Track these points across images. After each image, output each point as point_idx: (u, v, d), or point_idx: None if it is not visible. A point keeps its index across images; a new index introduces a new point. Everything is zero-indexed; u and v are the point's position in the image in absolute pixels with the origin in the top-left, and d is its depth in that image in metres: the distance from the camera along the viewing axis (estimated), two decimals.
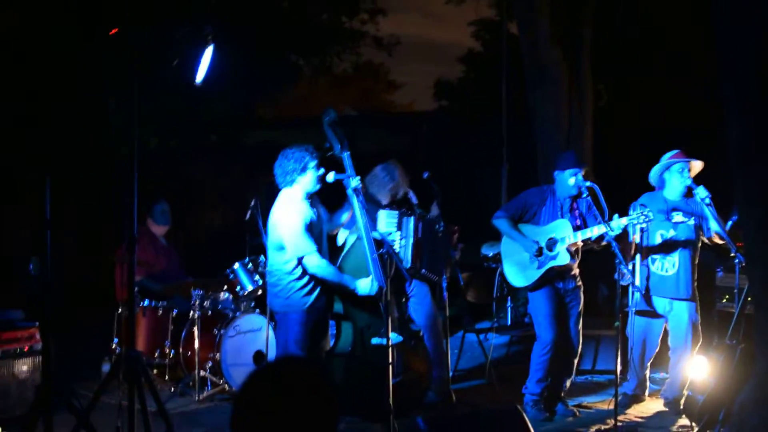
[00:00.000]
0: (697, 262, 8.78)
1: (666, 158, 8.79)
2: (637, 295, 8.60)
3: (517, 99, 15.23)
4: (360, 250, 7.75)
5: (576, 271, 8.70)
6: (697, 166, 8.71)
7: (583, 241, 8.46)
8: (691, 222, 8.57)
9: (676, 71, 16.52)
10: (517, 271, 8.72)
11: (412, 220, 8.79)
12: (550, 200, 8.70)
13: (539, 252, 8.53)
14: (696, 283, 8.75)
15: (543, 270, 8.54)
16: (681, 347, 8.69)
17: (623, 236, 8.41)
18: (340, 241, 8.49)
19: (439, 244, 8.93)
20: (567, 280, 8.66)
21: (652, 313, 8.77)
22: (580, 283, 8.77)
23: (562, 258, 8.46)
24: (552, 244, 8.52)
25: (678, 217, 8.57)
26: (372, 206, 8.88)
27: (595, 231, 8.31)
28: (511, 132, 15.27)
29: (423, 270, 8.81)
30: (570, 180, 8.50)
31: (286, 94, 28.48)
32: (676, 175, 8.70)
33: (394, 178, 9.03)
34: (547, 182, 8.98)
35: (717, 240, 8.65)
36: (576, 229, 8.46)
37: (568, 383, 8.84)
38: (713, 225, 8.54)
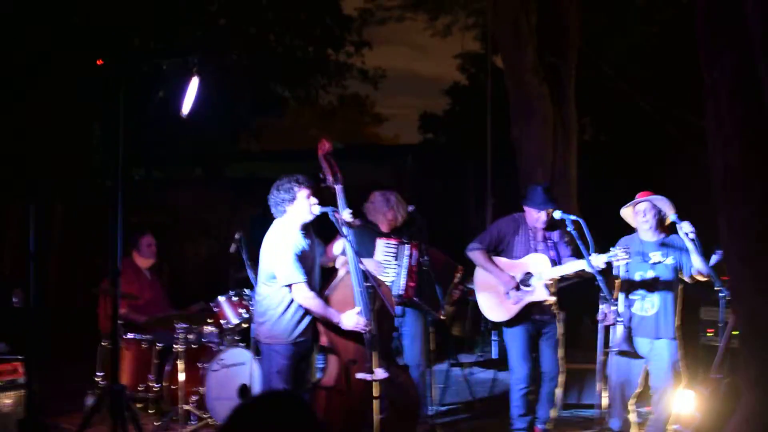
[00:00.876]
0: (679, 300, 8.73)
1: (625, 214, 8.81)
2: (619, 334, 8.56)
3: (503, 132, 15.27)
4: (347, 284, 7.75)
5: (552, 300, 8.67)
6: (664, 206, 8.68)
7: (560, 276, 8.48)
8: (670, 261, 8.53)
9: (662, 102, 16.58)
10: (493, 305, 8.71)
11: (407, 248, 8.82)
12: (523, 228, 8.72)
13: (516, 287, 8.53)
14: (680, 322, 8.72)
15: (520, 306, 8.54)
16: (662, 387, 8.64)
17: (608, 271, 8.42)
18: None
19: (444, 275, 9.01)
20: (543, 310, 8.65)
21: (633, 354, 8.72)
22: (555, 311, 8.74)
23: (539, 293, 8.46)
24: (528, 278, 8.52)
25: (656, 256, 8.55)
26: (371, 234, 8.94)
27: (572, 267, 8.31)
28: (497, 165, 15.31)
29: (416, 299, 8.84)
30: (533, 217, 8.57)
31: (271, 126, 28.50)
32: (642, 224, 8.69)
33: (391, 204, 9.09)
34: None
35: (699, 278, 8.60)
36: (551, 260, 8.47)
37: (552, 413, 8.81)
38: (696, 261, 8.50)
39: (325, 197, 7.68)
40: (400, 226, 9.22)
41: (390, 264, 8.96)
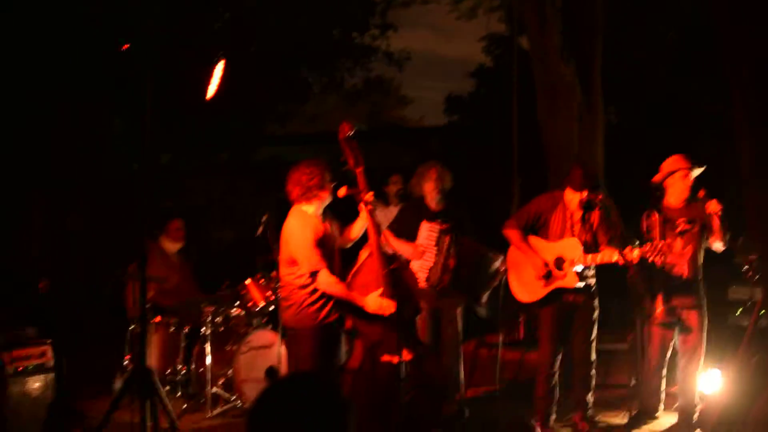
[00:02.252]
0: (701, 267, 8.69)
1: (668, 164, 8.73)
2: (659, 308, 8.53)
3: (528, 114, 15.22)
4: (371, 266, 7.73)
5: (590, 281, 8.64)
6: (697, 172, 8.64)
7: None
8: (696, 228, 8.48)
9: (688, 86, 16.50)
10: (523, 284, 8.68)
11: (448, 239, 8.85)
12: (561, 207, 8.65)
13: (547, 274, 8.49)
14: (704, 289, 8.69)
15: (549, 290, 8.50)
16: (690, 355, 8.63)
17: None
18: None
19: (483, 269, 9.00)
20: (576, 293, 8.60)
21: (669, 325, 8.70)
22: (594, 290, 8.70)
23: (570, 279, 8.41)
24: (560, 263, 8.47)
25: (682, 224, 8.51)
26: (417, 215, 8.99)
27: (606, 259, 8.25)
28: (522, 147, 15.26)
29: (450, 290, 8.87)
30: (571, 200, 8.50)
31: (295, 110, 28.50)
32: (678, 182, 8.63)
33: (436, 169, 9.17)
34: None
35: (715, 246, 8.56)
36: (585, 245, 8.42)
37: (590, 398, 8.78)
38: (715, 243, 8.48)
39: (348, 180, 7.67)
40: (447, 209, 9.24)
41: (431, 249, 8.98)
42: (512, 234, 8.70)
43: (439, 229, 8.99)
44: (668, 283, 8.51)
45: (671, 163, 8.68)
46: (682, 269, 8.56)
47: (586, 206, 8.52)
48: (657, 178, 8.73)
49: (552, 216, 8.62)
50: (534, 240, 8.65)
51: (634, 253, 8.02)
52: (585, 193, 8.44)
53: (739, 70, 6.83)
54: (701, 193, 8.40)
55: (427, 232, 9.06)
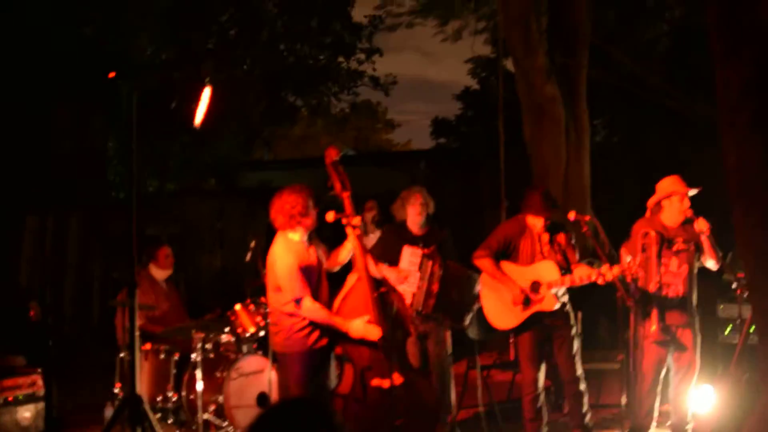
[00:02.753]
0: (695, 286, 8.73)
1: (665, 186, 8.75)
2: (654, 324, 8.54)
3: (515, 135, 15.26)
4: (359, 291, 7.72)
5: (565, 299, 8.64)
6: (692, 194, 8.69)
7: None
8: (691, 248, 8.50)
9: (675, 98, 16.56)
10: (500, 311, 8.66)
11: (429, 264, 8.85)
12: (528, 231, 8.66)
13: (525, 300, 8.48)
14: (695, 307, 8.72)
15: (527, 313, 8.49)
16: (683, 373, 8.65)
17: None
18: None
19: (466, 291, 9.01)
20: (554, 315, 8.59)
21: (664, 343, 8.71)
22: (568, 309, 8.69)
23: (548, 302, 8.40)
24: (537, 287, 8.47)
25: (679, 244, 8.53)
26: (398, 239, 8.99)
27: (584, 280, 8.27)
28: (510, 168, 15.29)
29: (433, 314, 8.87)
30: (537, 223, 8.53)
31: (283, 135, 28.55)
32: (676, 204, 8.66)
33: (420, 194, 9.20)
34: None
35: (708, 264, 8.60)
36: (558, 265, 8.43)
37: (584, 414, 8.76)
38: (707, 261, 8.52)
39: (335, 205, 7.68)
40: (429, 233, 9.25)
41: (413, 274, 8.97)
42: (484, 263, 8.67)
43: (422, 254, 8.99)
44: (663, 302, 8.52)
45: (668, 185, 8.70)
46: (677, 288, 8.56)
47: (551, 228, 8.55)
48: (652, 199, 8.76)
49: (521, 241, 8.63)
50: (507, 266, 8.63)
51: (614, 271, 8.04)
52: (546, 217, 8.47)
53: (729, 89, 6.85)
54: (689, 213, 8.43)
55: (410, 257, 9.06)
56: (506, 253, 8.67)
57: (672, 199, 8.62)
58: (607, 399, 10.13)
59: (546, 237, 8.57)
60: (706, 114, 13.39)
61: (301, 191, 7.60)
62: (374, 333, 7.39)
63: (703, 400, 8.25)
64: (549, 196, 8.60)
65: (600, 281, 8.07)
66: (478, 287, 9.04)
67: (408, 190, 9.47)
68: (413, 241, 9.16)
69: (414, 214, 9.27)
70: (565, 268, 8.44)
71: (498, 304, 8.64)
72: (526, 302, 8.44)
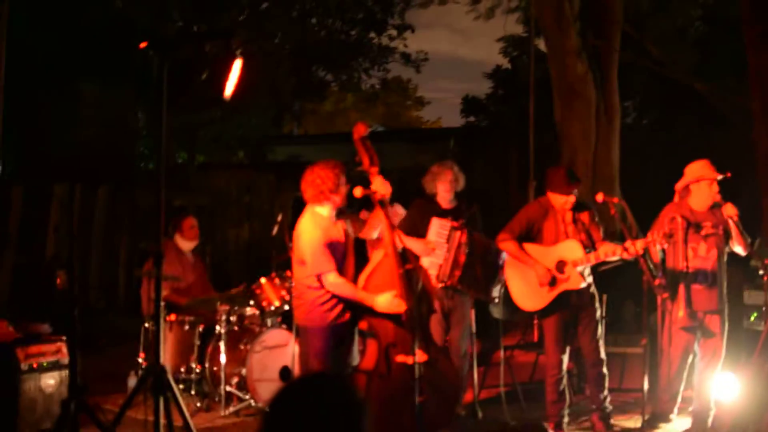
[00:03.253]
0: (725, 271, 8.70)
1: (694, 170, 8.70)
2: (682, 310, 8.52)
3: (546, 115, 15.20)
4: (386, 267, 7.72)
5: (589, 280, 8.62)
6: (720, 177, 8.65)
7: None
8: (720, 232, 8.45)
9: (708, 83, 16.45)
10: (527, 293, 8.64)
11: (457, 235, 8.83)
12: (551, 213, 8.63)
13: (552, 280, 8.46)
14: (725, 293, 8.69)
15: (554, 294, 8.48)
16: (709, 359, 8.63)
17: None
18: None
19: (489, 261, 9.00)
20: (581, 293, 8.58)
21: (691, 329, 8.69)
22: (593, 291, 8.68)
23: (574, 281, 8.39)
24: (562, 266, 8.45)
25: (707, 228, 8.48)
26: (427, 212, 8.98)
27: (609, 255, 8.25)
28: (539, 148, 15.24)
29: (459, 286, 8.86)
30: (558, 202, 8.50)
31: (313, 110, 28.55)
32: (705, 189, 8.62)
33: (449, 174, 9.17)
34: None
35: (737, 249, 8.58)
36: (582, 244, 8.40)
37: (605, 398, 8.75)
38: (734, 245, 8.49)
39: (363, 180, 7.68)
40: (458, 207, 9.23)
41: (441, 246, 8.96)
42: (508, 246, 8.66)
43: (451, 226, 8.96)
44: (691, 287, 8.49)
45: (697, 169, 8.66)
46: (706, 273, 8.54)
47: (575, 207, 8.52)
48: (680, 183, 8.72)
49: (544, 223, 8.61)
50: (531, 247, 8.61)
51: (638, 245, 8.01)
52: (573, 194, 8.44)
53: (762, 75, 6.81)
54: (718, 197, 8.40)
55: (438, 228, 9.03)
56: (530, 236, 8.66)
57: (700, 184, 8.58)
58: (629, 383, 10.10)
59: (569, 216, 8.55)
60: (737, 100, 13.29)
61: (334, 167, 7.60)
62: (400, 307, 7.40)
63: (725, 387, 8.22)
64: (572, 174, 8.57)
65: (625, 256, 8.04)
66: (503, 260, 9.05)
67: (439, 164, 9.44)
68: (442, 214, 9.14)
69: (444, 189, 9.26)
70: (590, 247, 8.41)
71: (524, 286, 8.63)
72: (553, 282, 8.43)
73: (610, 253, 8.21)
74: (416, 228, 9.09)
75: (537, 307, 8.61)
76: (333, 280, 7.46)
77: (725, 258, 8.66)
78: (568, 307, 8.53)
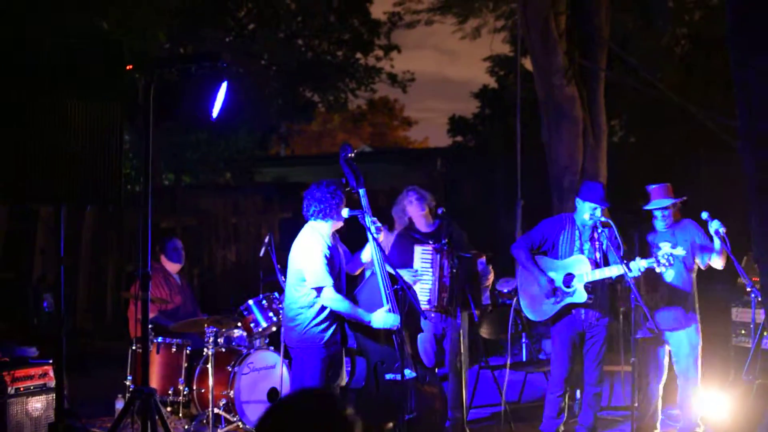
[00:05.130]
0: (694, 283, 8.79)
1: (653, 195, 8.86)
2: (644, 328, 8.62)
3: (532, 134, 15.23)
4: (374, 285, 7.75)
5: (601, 299, 8.63)
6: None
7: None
8: (680, 252, 8.46)
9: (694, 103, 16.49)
10: (533, 304, 8.70)
11: (439, 257, 8.85)
12: (568, 229, 8.65)
13: (553, 292, 8.49)
14: (696, 303, 8.75)
15: (558, 307, 8.50)
16: (684, 376, 8.70)
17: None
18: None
19: (476, 273, 9.06)
20: (589, 312, 8.58)
21: (656, 343, 8.77)
22: (605, 310, 8.68)
23: (579, 296, 8.41)
24: (569, 280, 8.47)
25: (665, 248, 8.53)
26: (410, 241, 9.00)
27: (613, 271, 8.27)
28: (527, 167, 15.26)
29: (448, 308, 8.88)
30: (586, 213, 8.49)
31: (300, 130, 28.56)
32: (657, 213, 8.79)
33: (410, 192, 9.22)
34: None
35: (715, 265, 8.64)
36: (594, 263, 8.42)
37: (596, 417, 8.77)
38: (715, 262, 8.55)
39: (351, 201, 7.70)
40: (437, 228, 9.24)
41: (427, 271, 8.97)
42: (520, 253, 8.75)
43: (432, 249, 8.98)
44: (654, 304, 8.55)
45: (656, 193, 8.80)
46: (666, 290, 8.62)
47: (597, 225, 8.51)
48: (648, 206, 8.85)
49: (559, 239, 8.63)
50: (542, 260, 8.67)
51: (641, 264, 8.05)
52: (600, 208, 8.46)
53: (744, 80, 6.81)
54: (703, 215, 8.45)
55: (421, 254, 9.06)
56: (543, 250, 8.70)
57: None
58: (618, 400, 10.11)
59: (587, 234, 8.57)
60: (724, 118, 13.33)
61: (340, 185, 7.66)
62: (394, 321, 7.44)
63: (714, 404, 8.22)
64: (605, 192, 8.59)
65: (628, 273, 8.05)
66: (483, 264, 9.11)
67: (401, 194, 9.49)
68: (422, 239, 9.15)
69: (415, 213, 9.28)
70: (603, 265, 8.42)
71: (532, 298, 8.68)
72: (555, 293, 8.45)
73: (615, 270, 8.24)
74: (401, 259, 9.11)
75: (541, 318, 8.67)
76: (332, 295, 7.46)
77: (691, 275, 8.72)
78: (574, 322, 8.55)
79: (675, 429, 9.10)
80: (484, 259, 9.39)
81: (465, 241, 9.27)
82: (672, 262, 8.09)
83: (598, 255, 8.51)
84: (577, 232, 8.63)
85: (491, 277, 9.78)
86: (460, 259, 8.83)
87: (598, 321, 8.62)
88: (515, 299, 9.26)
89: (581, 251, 8.56)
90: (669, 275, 8.66)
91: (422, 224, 9.29)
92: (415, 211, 9.27)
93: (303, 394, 3.53)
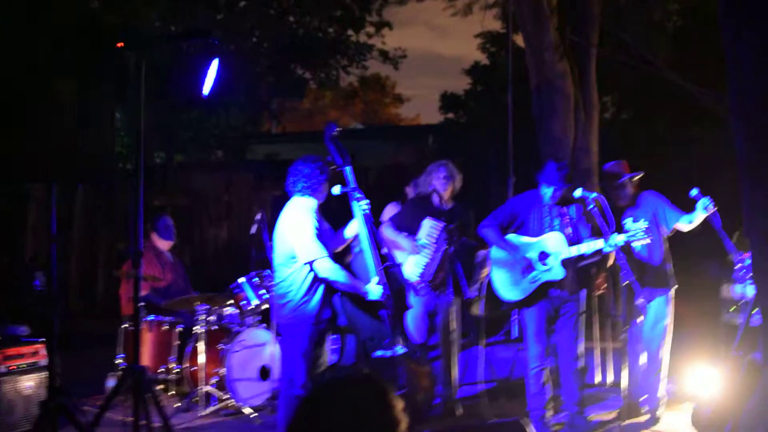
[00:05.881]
0: (666, 254, 8.92)
1: (609, 170, 8.98)
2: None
3: (524, 111, 15.21)
4: (361, 261, 7.77)
5: (573, 275, 8.62)
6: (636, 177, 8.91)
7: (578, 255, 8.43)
8: (644, 224, 8.49)
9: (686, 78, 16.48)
10: (508, 283, 8.64)
11: (446, 238, 8.85)
12: (537, 206, 8.63)
13: (529, 267, 8.47)
14: (669, 276, 8.86)
15: (536, 285, 8.47)
16: (647, 348, 8.81)
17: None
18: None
19: (472, 264, 9.08)
20: (562, 288, 8.58)
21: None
22: (577, 286, 8.67)
23: (556, 272, 8.37)
24: (545, 257, 8.45)
25: (630, 224, 8.56)
26: (421, 211, 9.00)
27: (590, 247, 8.25)
28: (518, 144, 15.26)
29: (440, 287, 8.92)
30: (548, 194, 8.51)
31: (291, 108, 28.51)
32: (617, 188, 8.89)
33: (446, 167, 9.36)
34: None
35: (681, 228, 8.71)
36: (568, 238, 8.41)
37: (581, 392, 8.78)
38: (680, 224, 8.63)
39: (337, 179, 7.72)
40: (453, 209, 9.26)
41: (430, 246, 8.98)
42: (489, 232, 8.66)
43: (442, 227, 8.98)
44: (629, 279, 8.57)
45: (612, 169, 8.90)
46: (636, 264, 8.68)
47: (564, 201, 8.52)
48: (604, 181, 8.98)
49: (529, 217, 8.61)
50: (515, 237, 8.62)
51: (620, 238, 8.05)
52: (562, 187, 8.45)
53: (739, 69, 6.80)
54: (694, 191, 8.46)
55: (430, 228, 9.06)
56: (512, 227, 8.67)
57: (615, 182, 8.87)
58: (607, 377, 10.13)
59: (557, 211, 8.55)
60: (716, 94, 13.34)
61: (324, 161, 7.67)
62: (381, 292, 7.50)
63: (704, 380, 8.25)
64: (564, 169, 8.58)
65: (608, 249, 8.06)
66: (481, 258, 9.10)
67: (435, 163, 9.50)
68: (436, 214, 9.15)
69: (439, 187, 9.28)
70: (575, 241, 8.41)
71: (506, 277, 8.63)
72: (531, 269, 8.44)
73: (592, 245, 8.22)
74: (408, 224, 9.13)
75: (518, 298, 8.60)
76: (328, 265, 7.45)
77: (656, 249, 8.79)
78: (550, 300, 8.53)
79: (674, 403, 9.15)
80: (484, 252, 9.40)
81: (471, 227, 9.28)
82: (650, 233, 8.12)
83: (569, 230, 8.50)
84: (545, 209, 8.61)
85: (485, 272, 9.75)
86: (462, 244, 8.86)
87: (571, 296, 8.61)
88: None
89: (551, 228, 8.55)
90: (638, 248, 8.71)
91: (440, 200, 9.30)
92: (439, 184, 9.28)
93: (355, 378, 3.48)
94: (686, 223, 8.62)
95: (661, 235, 8.82)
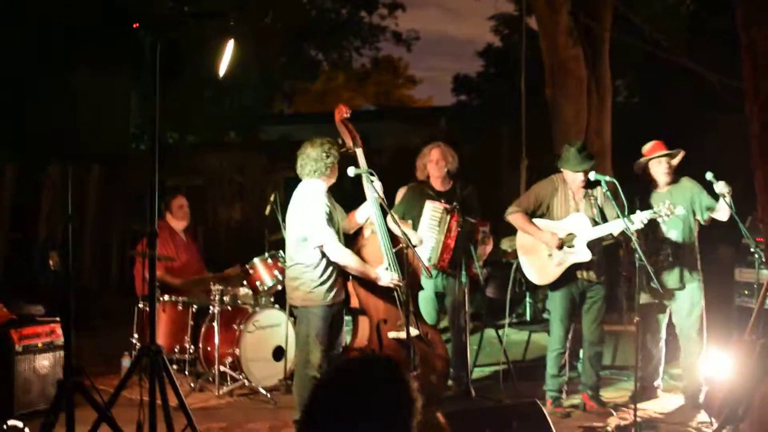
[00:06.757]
0: (696, 241, 8.87)
1: (646, 151, 8.90)
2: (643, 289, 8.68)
3: (537, 94, 15.20)
4: (374, 243, 7.80)
5: (600, 259, 8.65)
6: (677, 159, 8.84)
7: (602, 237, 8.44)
8: (680, 211, 8.48)
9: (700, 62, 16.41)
10: (537, 267, 8.68)
11: (449, 218, 8.86)
12: (561, 189, 8.65)
13: (559, 246, 8.47)
14: (699, 262, 8.80)
15: (563, 268, 8.50)
16: (686, 335, 8.78)
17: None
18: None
19: (477, 241, 9.08)
20: (589, 269, 8.60)
21: (654, 305, 8.85)
22: (603, 270, 8.72)
23: (582, 254, 8.41)
24: (570, 239, 8.48)
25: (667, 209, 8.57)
26: (421, 195, 9.03)
27: (615, 226, 8.27)
28: (531, 127, 15.24)
29: (448, 269, 8.94)
30: (575, 176, 8.52)
31: (304, 89, 28.47)
32: (655, 167, 8.80)
33: (439, 148, 9.40)
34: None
35: (718, 217, 8.68)
36: (593, 220, 8.43)
37: (598, 377, 8.82)
38: (716, 213, 8.59)
39: (349, 161, 7.74)
40: (452, 189, 9.25)
41: (433, 228, 8.99)
42: (516, 217, 8.70)
43: (443, 209, 8.99)
44: (654, 265, 8.55)
45: (649, 149, 8.84)
46: (669, 250, 8.67)
47: (589, 183, 8.52)
48: (638, 163, 8.89)
49: (554, 201, 8.63)
50: (540, 221, 8.65)
51: (644, 215, 8.06)
52: (584, 171, 8.45)
53: (753, 54, 6.79)
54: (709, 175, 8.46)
55: (431, 211, 9.07)
56: (537, 213, 8.68)
57: (653, 163, 8.77)
58: (622, 360, 10.13)
59: (581, 194, 8.56)
60: (729, 78, 13.28)
61: (334, 143, 7.70)
62: (395, 278, 7.52)
63: (716, 365, 8.27)
64: (585, 150, 8.59)
65: (628, 230, 8.06)
66: (483, 233, 9.13)
67: (428, 145, 9.49)
68: (435, 196, 9.16)
69: (433, 170, 9.28)
70: (600, 222, 8.43)
71: (535, 262, 8.66)
72: (561, 248, 8.44)
73: (615, 225, 8.24)
74: (410, 211, 9.13)
75: (546, 281, 8.64)
76: (339, 250, 7.49)
77: (691, 235, 8.76)
78: (577, 283, 8.57)
79: (678, 388, 9.17)
80: (487, 227, 9.40)
81: (475, 204, 9.29)
82: (672, 211, 8.10)
83: (594, 211, 8.51)
84: (570, 192, 8.63)
85: (488, 248, 9.72)
86: (465, 222, 8.87)
87: (596, 282, 8.64)
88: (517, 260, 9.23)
89: (577, 210, 8.57)
90: (672, 234, 8.70)
91: (438, 183, 9.31)
92: (433, 166, 9.29)
93: (373, 359, 3.50)
94: (718, 211, 8.61)
95: (694, 222, 8.82)
